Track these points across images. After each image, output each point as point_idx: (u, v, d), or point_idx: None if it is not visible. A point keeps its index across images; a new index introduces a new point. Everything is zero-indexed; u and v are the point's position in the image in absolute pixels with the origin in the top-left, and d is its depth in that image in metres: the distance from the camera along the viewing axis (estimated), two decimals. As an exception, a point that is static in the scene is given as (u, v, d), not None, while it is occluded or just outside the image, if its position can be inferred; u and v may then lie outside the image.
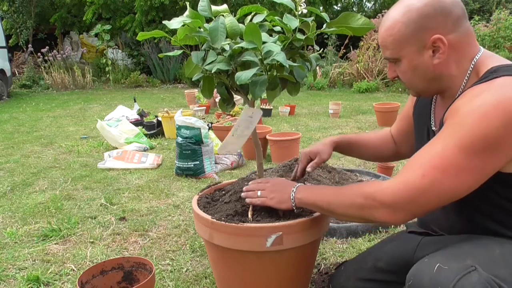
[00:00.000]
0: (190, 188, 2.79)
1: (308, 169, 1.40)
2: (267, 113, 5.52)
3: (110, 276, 1.41)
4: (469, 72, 1.04)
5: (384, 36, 1.07)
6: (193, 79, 1.33)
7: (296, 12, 1.21)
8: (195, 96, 6.59)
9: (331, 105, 5.42)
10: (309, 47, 1.31)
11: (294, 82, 1.27)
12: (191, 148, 2.96)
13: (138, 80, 10.74)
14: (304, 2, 1.24)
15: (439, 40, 1.00)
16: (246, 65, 1.20)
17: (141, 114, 4.95)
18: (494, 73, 0.96)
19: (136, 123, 4.64)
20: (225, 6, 1.28)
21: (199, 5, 1.22)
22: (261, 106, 5.65)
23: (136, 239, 2.04)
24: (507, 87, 0.91)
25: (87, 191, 2.79)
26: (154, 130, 4.55)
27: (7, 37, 10.27)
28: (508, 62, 1.01)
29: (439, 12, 0.99)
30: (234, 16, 1.26)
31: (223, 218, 1.26)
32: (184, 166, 3.01)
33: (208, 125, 3.83)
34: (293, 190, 1.21)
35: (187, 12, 1.20)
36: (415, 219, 1.33)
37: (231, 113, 4.86)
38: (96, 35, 10.78)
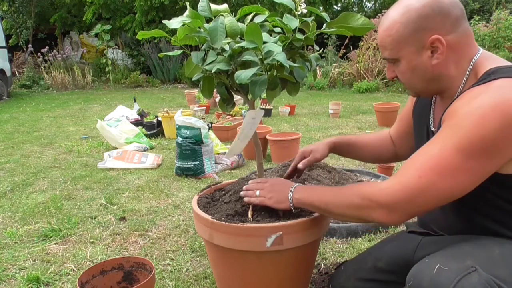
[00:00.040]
0: (190, 188, 2.79)
1: (300, 165, 1.42)
2: (267, 113, 5.52)
3: (110, 276, 1.41)
4: (467, 72, 1.04)
5: (383, 37, 1.07)
6: (193, 79, 1.33)
7: (296, 12, 1.21)
8: (195, 96, 6.59)
9: (331, 105, 5.42)
10: (309, 47, 1.31)
11: (294, 82, 1.27)
12: (191, 148, 2.96)
13: (138, 80, 10.73)
14: (304, 2, 1.24)
15: (437, 41, 1.00)
16: (246, 65, 1.20)
17: (141, 114, 4.95)
18: (492, 75, 0.97)
19: (136, 123, 4.64)
20: (225, 6, 1.28)
21: (199, 5, 1.22)
22: (261, 106, 5.65)
23: (136, 239, 2.04)
24: (505, 89, 0.91)
25: (87, 191, 2.79)
26: (154, 130, 4.55)
27: (7, 37, 10.27)
28: (506, 63, 1.01)
29: (437, 12, 0.99)
30: (234, 16, 1.26)
31: (223, 218, 1.26)
32: (184, 166, 3.01)
33: (208, 125, 3.83)
34: (291, 190, 1.21)
35: (187, 12, 1.20)
36: (415, 219, 1.34)
37: (231, 113, 4.87)
38: (96, 35, 10.78)
